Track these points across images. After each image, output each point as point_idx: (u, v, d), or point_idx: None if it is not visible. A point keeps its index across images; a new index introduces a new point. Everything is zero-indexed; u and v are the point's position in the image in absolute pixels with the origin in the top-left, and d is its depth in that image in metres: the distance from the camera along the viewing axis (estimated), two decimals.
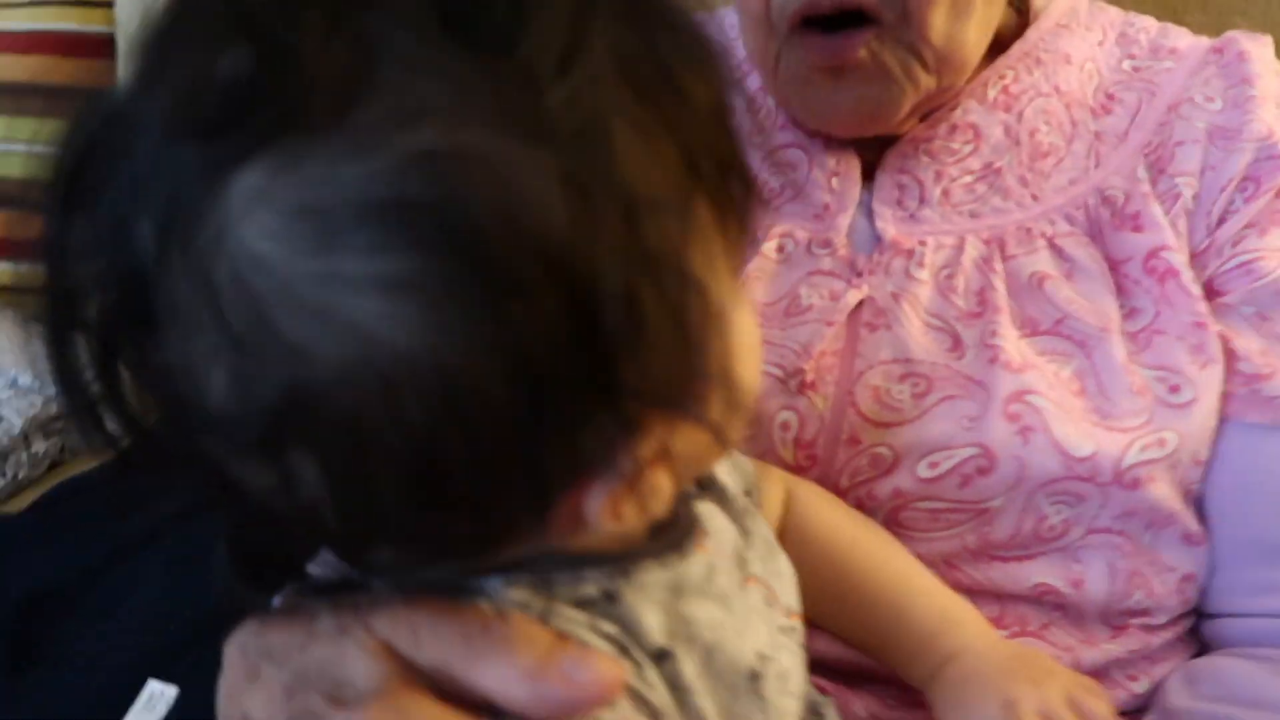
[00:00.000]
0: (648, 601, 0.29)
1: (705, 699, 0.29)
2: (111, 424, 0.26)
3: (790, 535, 0.43)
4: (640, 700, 0.28)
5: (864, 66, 0.48)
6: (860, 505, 0.47)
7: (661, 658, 0.29)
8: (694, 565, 0.31)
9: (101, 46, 1.26)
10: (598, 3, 0.24)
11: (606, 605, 0.28)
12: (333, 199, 0.22)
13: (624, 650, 0.28)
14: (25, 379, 0.96)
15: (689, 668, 0.29)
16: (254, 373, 0.23)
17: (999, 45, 0.56)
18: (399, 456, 0.23)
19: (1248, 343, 0.48)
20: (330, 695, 0.27)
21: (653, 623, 0.29)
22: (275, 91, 0.22)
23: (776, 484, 0.44)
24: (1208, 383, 0.47)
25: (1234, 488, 0.48)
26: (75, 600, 0.71)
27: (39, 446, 0.96)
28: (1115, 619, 0.47)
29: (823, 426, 0.48)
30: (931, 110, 0.53)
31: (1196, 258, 0.50)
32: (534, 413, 0.23)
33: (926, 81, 0.49)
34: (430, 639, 0.27)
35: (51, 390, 0.86)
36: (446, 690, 0.27)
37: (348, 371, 0.22)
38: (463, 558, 0.27)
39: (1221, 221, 0.50)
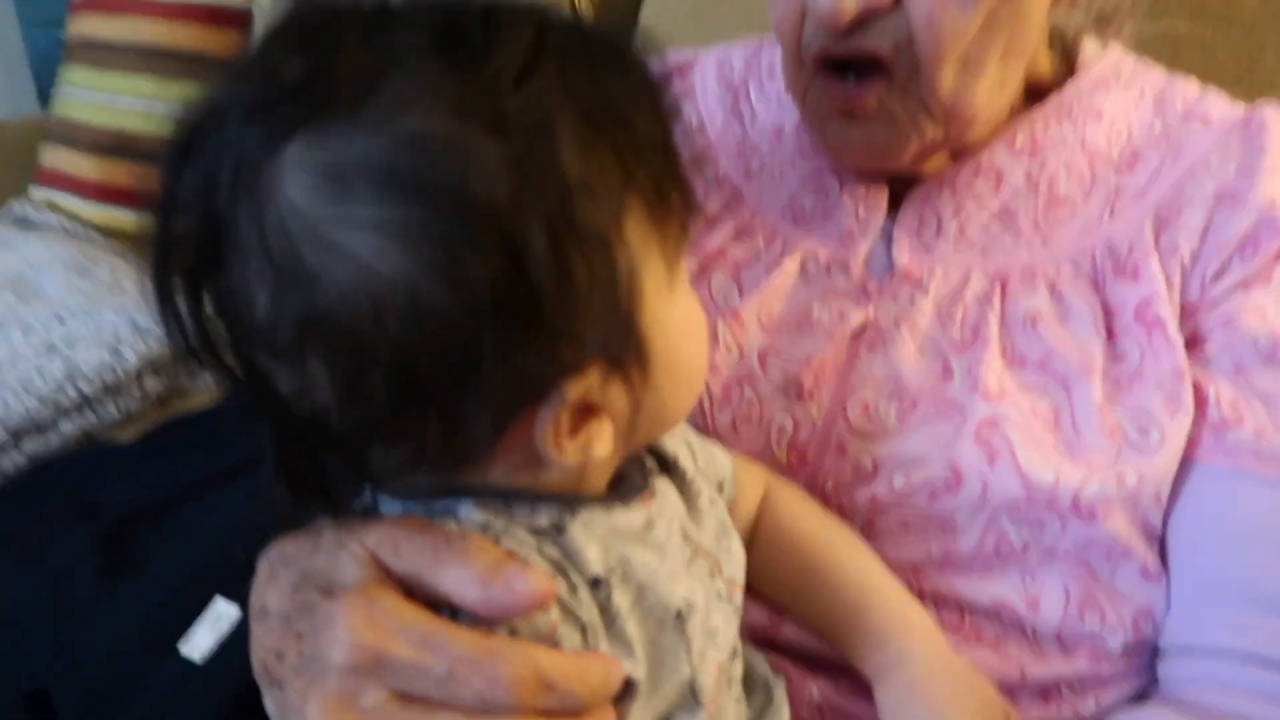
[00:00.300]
0: (591, 538, 0.35)
1: (632, 625, 0.35)
2: (202, 354, 0.34)
3: (764, 527, 0.48)
4: (570, 614, 0.34)
5: (874, 112, 0.52)
6: (841, 508, 0.51)
7: (596, 584, 0.35)
8: (635, 516, 0.37)
9: (238, 19, 1.36)
10: (552, 40, 0.32)
11: (554, 535, 0.35)
12: (347, 163, 0.30)
13: (563, 572, 0.34)
14: (144, 320, 1.07)
15: (620, 598, 0.35)
16: (285, 293, 0.31)
17: (1040, 93, 0.58)
18: (383, 363, 0.31)
19: (1221, 390, 0.50)
20: (324, 590, 0.34)
21: (591, 555, 0.34)
22: (316, 89, 0.31)
23: (757, 483, 0.49)
24: (1176, 430, 0.49)
25: (1194, 528, 0.50)
26: (162, 520, 0.79)
27: (150, 384, 1.07)
28: (1069, 640, 0.50)
29: (814, 433, 0.52)
30: (960, 151, 0.56)
31: (1187, 310, 0.52)
32: (481, 335, 0.30)
33: (934, 131, 0.53)
34: (406, 549, 0.34)
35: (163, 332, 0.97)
36: (416, 594, 0.34)
37: (347, 292, 0.30)
38: (439, 468, 0.34)
39: (1216, 278, 0.52)
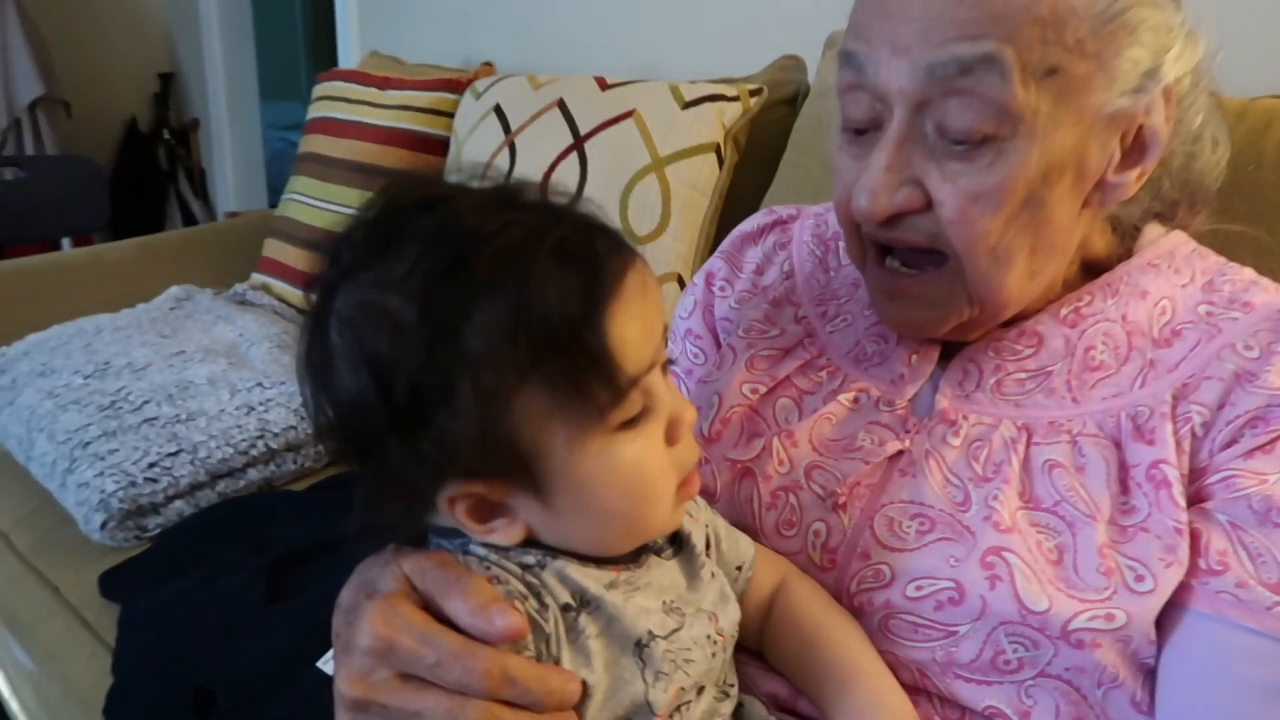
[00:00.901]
0: (560, 579, 0.47)
1: (596, 644, 0.46)
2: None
3: (778, 606, 0.58)
4: (536, 626, 0.45)
5: (916, 296, 0.61)
6: (860, 607, 0.59)
7: (567, 609, 0.46)
8: (603, 575, 0.48)
9: (438, 145, 1.58)
10: (471, 279, 0.42)
11: (536, 570, 0.47)
12: (354, 303, 0.44)
13: (536, 594, 0.46)
14: None
15: (587, 622, 0.46)
16: (329, 377, 0.44)
17: (1097, 270, 0.65)
18: (354, 436, 0.45)
19: (1213, 541, 0.54)
20: (368, 593, 0.47)
21: (557, 591, 0.46)
22: (360, 261, 0.44)
23: (776, 571, 0.59)
24: (1168, 579, 0.54)
25: (1177, 667, 0.55)
26: (320, 559, 0.94)
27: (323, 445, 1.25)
28: None
29: (844, 539, 0.61)
30: (1013, 321, 0.64)
31: (1195, 473, 0.57)
32: (396, 420, 0.43)
33: (969, 312, 0.60)
34: (429, 576, 0.46)
35: None
36: (432, 608, 0.46)
37: (351, 366, 0.43)
38: (413, 513, 0.47)
39: (1225, 448, 0.56)
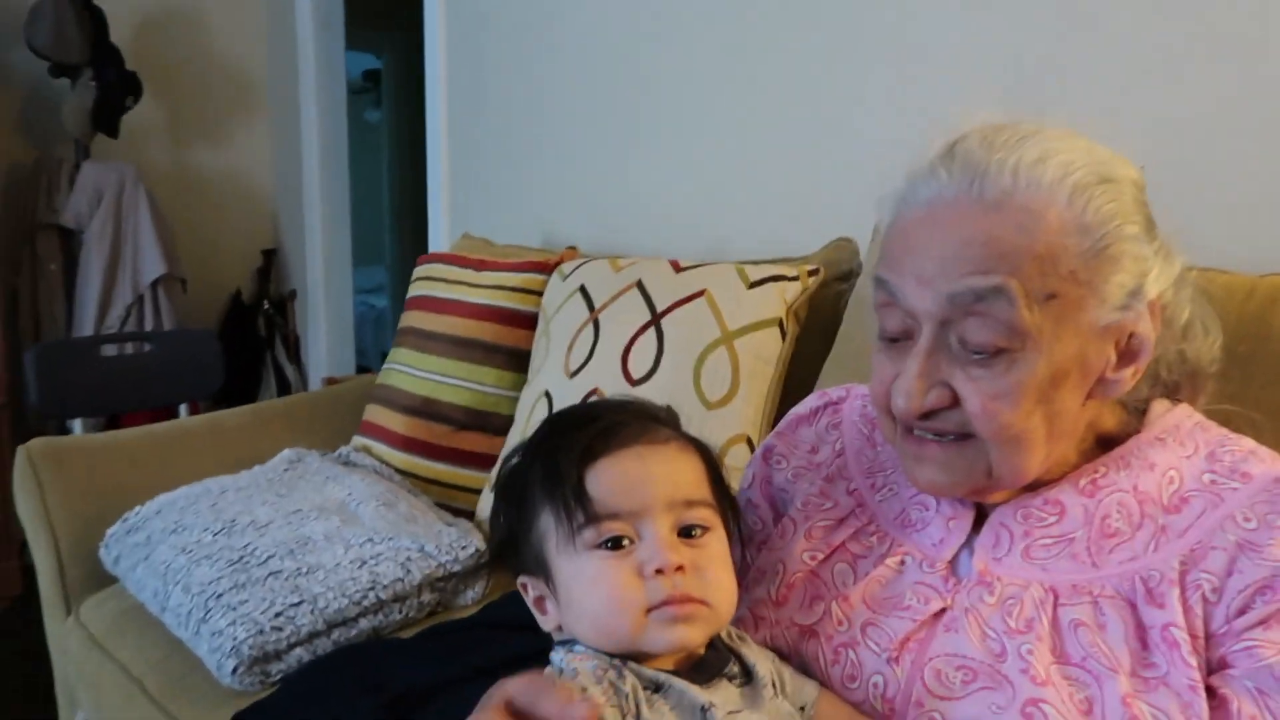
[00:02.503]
0: (644, 672, 0.64)
1: (667, 711, 0.61)
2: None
3: None
4: (616, 703, 0.61)
5: (941, 461, 0.71)
6: None
7: (644, 688, 0.62)
8: (674, 680, 0.64)
9: (528, 321, 1.73)
10: (538, 443, 0.73)
11: (616, 672, 0.63)
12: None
13: (616, 685, 0.62)
14: (430, 546, 1.38)
15: (659, 700, 0.62)
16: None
17: (1110, 443, 0.74)
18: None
19: (1243, 706, 0.61)
20: (482, 707, 0.59)
21: (638, 680, 0.63)
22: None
23: (842, 711, 0.69)
24: None
25: None
26: (430, 701, 1.04)
27: (427, 597, 1.36)
28: None
29: (900, 689, 0.69)
30: (1036, 484, 0.73)
31: (1215, 638, 0.64)
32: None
33: (987, 483, 0.70)
34: (523, 692, 0.58)
35: (444, 559, 1.28)
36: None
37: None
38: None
39: (1239, 614, 0.63)
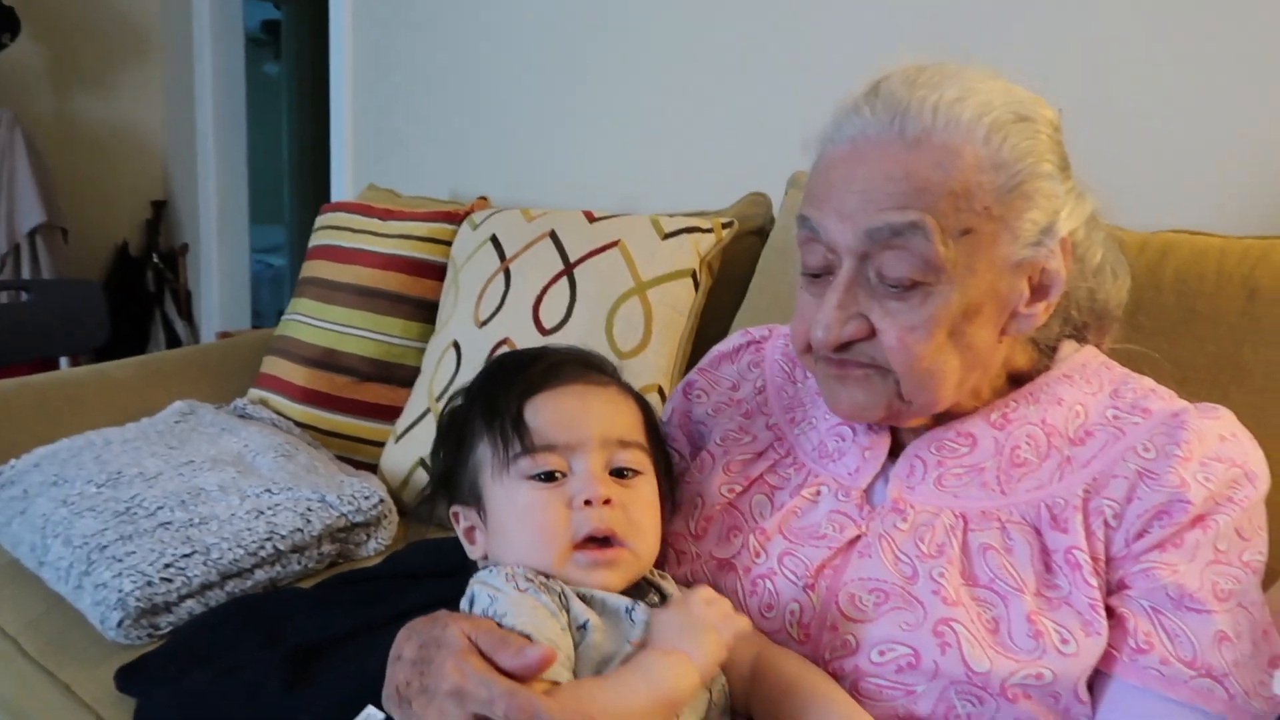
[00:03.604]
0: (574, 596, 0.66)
1: (594, 616, 0.64)
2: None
3: (756, 670, 0.68)
4: (546, 587, 0.65)
5: (863, 380, 0.72)
6: (833, 674, 0.68)
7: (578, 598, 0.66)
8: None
9: (435, 270, 1.69)
10: (501, 374, 0.76)
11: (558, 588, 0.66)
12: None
13: (546, 586, 0.65)
14: (330, 497, 1.33)
15: (593, 618, 0.64)
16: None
17: (1021, 380, 0.77)
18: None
19: (1139, 624, 0.65)
20: (438, 648, 0.59)
21: (579, 604, 0.65)
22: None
23: (752, 645, 0.70)
24: (1090, 647, 0.64)
25: None
26: (333, 651, 1.01)
27: (327, 547, 1.32)
28: None
29: (815, 614, 0.71)
30: (948, 415, 0.75)
31: (1115, 561, 0.67)
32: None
33: (901, 406, 0.72)
34: (482, 637, 0.59)
35: (346, 509, 1.25)
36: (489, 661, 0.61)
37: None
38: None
39: (1139, 537, 0.67)
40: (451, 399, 0.78)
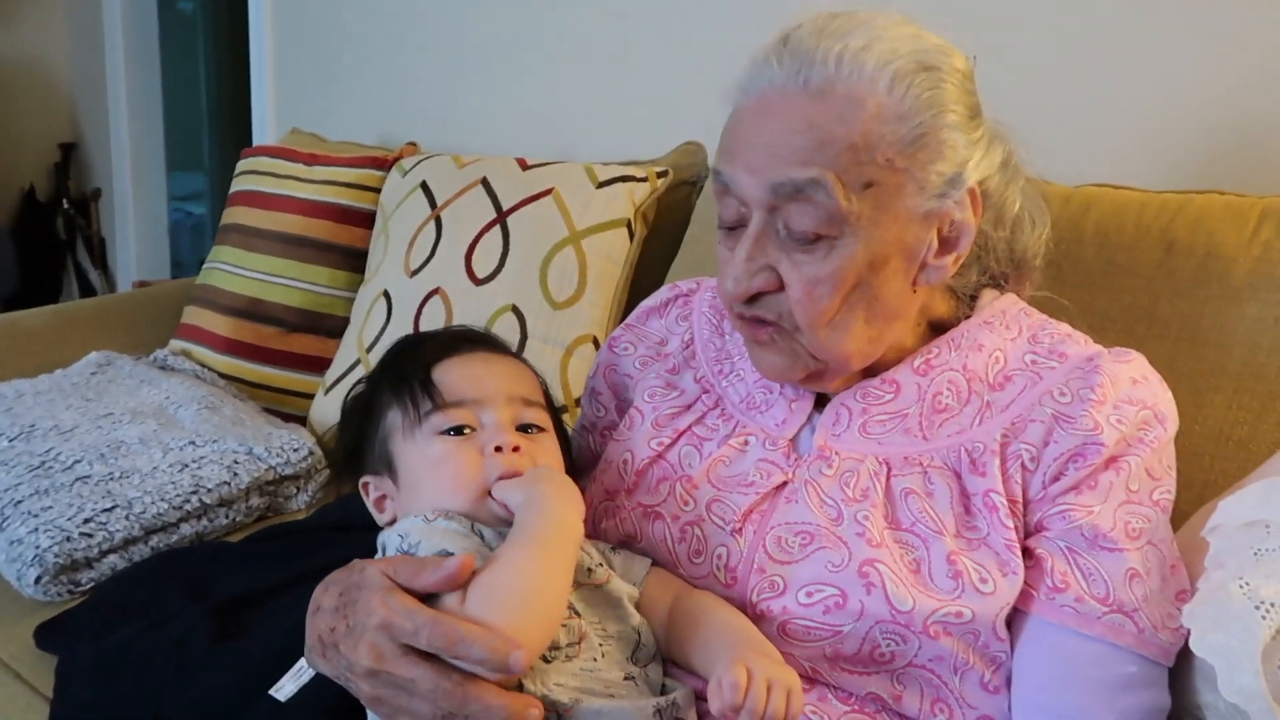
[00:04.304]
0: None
1: None
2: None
3: (672, 611, 0.71)
4: (459, 520, 0.69)
5: (772, 344, 0.73)
6: (761, 615, 0.69)
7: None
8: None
9: (363, 218, 1.65)
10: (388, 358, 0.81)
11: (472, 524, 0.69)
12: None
13: (473, 529, 0.68)
14: (258, 449, 1.31)
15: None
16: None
17: (943, 328, 0.78)
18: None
19: (1055, 564, 0.67)
20: (360, 590, 0.62)
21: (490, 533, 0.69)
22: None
23: (670, 589, 0.72)
24: (1007, 586, 0.66)
25: (1027, 663, 0.67)
26: (262, 604, 1.00)
27: (255, 501, 1.29)
28: None
29: (743, 558, 0.72)
30: (874, 367, 0.76)
31: (1033, 503, 0.69)
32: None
33: (815, 365, 0.73)
34: (400, 570, 0.62)
35: (275, 461, 1.22)
36: (408, 591, 0.63)
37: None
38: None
39: (1055, 479, 0.69)
40: (354, 386, 0.82)
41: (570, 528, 0.67)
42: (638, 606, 0.71)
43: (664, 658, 0.72)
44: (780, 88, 0.69)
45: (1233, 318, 0.93)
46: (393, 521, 0.74)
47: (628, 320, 0.95)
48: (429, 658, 0.60)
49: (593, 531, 0.79)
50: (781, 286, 0.71)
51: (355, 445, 0.78)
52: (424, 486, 0.72)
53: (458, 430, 0.72)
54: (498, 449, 0.71)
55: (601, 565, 0.71)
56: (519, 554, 0.63)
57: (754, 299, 0.72)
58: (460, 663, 0.59)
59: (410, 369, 0.75)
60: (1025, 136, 0.81)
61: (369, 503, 0.77)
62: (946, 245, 0.72)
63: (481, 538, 0.67)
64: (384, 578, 0.63)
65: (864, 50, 0.68)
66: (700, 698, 0.69)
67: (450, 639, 0.59)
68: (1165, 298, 0.97)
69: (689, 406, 0.82)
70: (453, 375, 0.74)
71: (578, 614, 0.67)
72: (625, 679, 0.65)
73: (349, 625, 0.62)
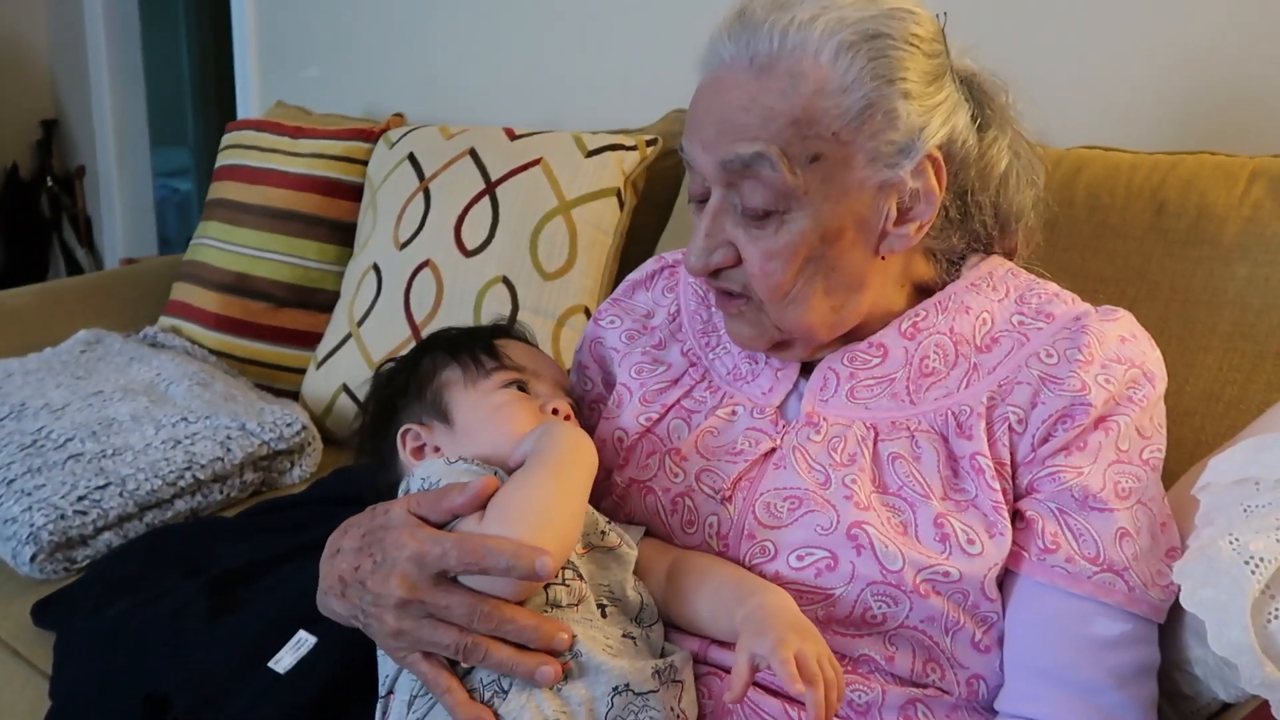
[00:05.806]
0: None
1: None
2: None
3: (673, 570, 0.72)
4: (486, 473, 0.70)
5: (740, 316, 0.74)
6: None
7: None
8: None
9: (351, 191, 1.64)
10: (469, 337, 0.83)
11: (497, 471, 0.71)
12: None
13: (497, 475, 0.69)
14: (251, 425, 1.30)
15: None
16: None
17: (929, 291, 0.77)
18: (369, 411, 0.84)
19: (1046, 525, 0.67)
20: (385, 529, 0.65)
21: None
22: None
23: (666, 556, 0.73)
24: (994, 547, 0.67)
25: (1018, 622, 0.68)
26: (257, 578, 1.00)
27: (249, 476, 1.30)
28: (918, 683, 0.68)
29: (733, 525, 0.72)
30: (860, 331, 0.75)
31: (1023, 466, 0.69)
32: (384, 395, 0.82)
33: (779, 335, 0.74)
34: (421, 502, 0.67)
35: (268, 436, 1.22)
36: (432, 524, 0.66)
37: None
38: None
39: (1044, 441, 0.69)
40: (379, 367, 0.87)
41: (584, 451, 0.70)
42: (635, 572, 0.71)
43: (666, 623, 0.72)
44: (729, 64, 0.70)
45: (1223, 278, 0.93)
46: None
47: (614, 294, 0.95)
48: (462, 586, 0.63)
49: None
50: (740, 261, 0.72)
51: (392, 401, 0.80)
52: (480, 429, 0.75)
53: (521, 386, 0.77)
54: (555, 410, 0.76)
55: (612, 528, 0.72)
56: (533, 475, 0.66)
57: (717, 273, 0.73)
58: (489, 577, 0.62)
59: (469, 339, 0.81)
60: (1014, 100, 0.80)
61: (404, 452, 0.78)
62: (908, 214, 0.71)
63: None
64: (409, 515, 0.66)
65: (810, 22, 0.67)
66: (698, 660, 0.69)
67: (477, 552, 0.61)
68: (1156, 259, 0.97)
69: (676, 380, 0.82)
70: (511, 349, 0.80)
71: (580, 577, 0.67)
72: (624, 636, 0.66)
73: (376, 561, 0.65)
